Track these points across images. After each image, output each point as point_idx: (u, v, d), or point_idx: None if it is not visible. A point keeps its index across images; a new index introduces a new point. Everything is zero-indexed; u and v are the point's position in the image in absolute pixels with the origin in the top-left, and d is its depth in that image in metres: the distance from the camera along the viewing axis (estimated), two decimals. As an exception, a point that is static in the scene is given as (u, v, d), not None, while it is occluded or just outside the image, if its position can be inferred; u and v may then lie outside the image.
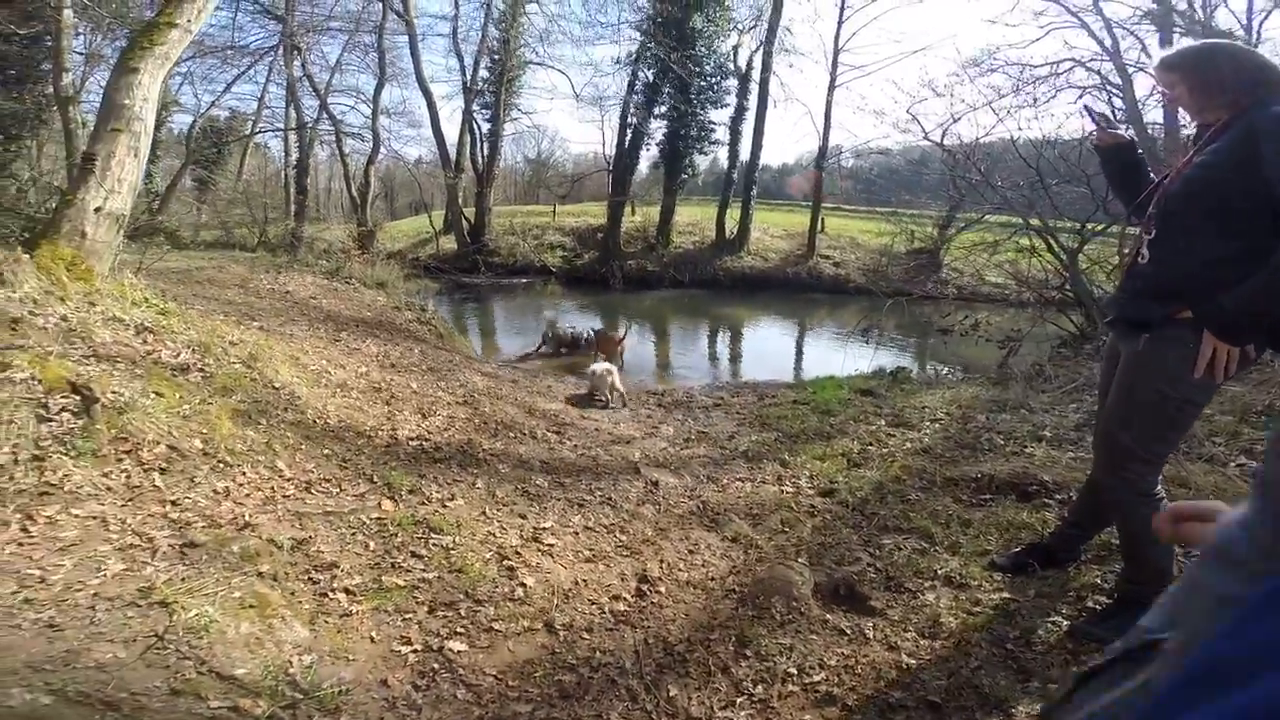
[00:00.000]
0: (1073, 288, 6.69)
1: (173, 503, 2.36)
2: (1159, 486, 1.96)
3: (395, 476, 3.05)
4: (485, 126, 18.77)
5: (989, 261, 9.70)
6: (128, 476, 2.40)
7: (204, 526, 2.29)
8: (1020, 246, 7.73)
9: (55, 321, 3.09)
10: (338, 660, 1.93)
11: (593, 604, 2.37)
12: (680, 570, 2.62)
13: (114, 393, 2.68)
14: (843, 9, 17.60)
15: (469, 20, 21.78)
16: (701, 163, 20.88)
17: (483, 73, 18.36)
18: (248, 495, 2.55)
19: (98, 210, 3.96)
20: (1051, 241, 6.93)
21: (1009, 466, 3.35)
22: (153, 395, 2.83)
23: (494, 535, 2.74)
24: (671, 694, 1.94)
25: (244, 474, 2.67)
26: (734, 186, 18.61)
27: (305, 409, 3.52)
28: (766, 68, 17.54)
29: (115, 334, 3.30)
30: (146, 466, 2.47)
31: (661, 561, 2.69)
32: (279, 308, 6.71)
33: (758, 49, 17.99)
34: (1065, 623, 2.17)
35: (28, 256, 3.46)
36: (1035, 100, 10.58)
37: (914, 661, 2.06)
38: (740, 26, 18.68)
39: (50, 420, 2.43)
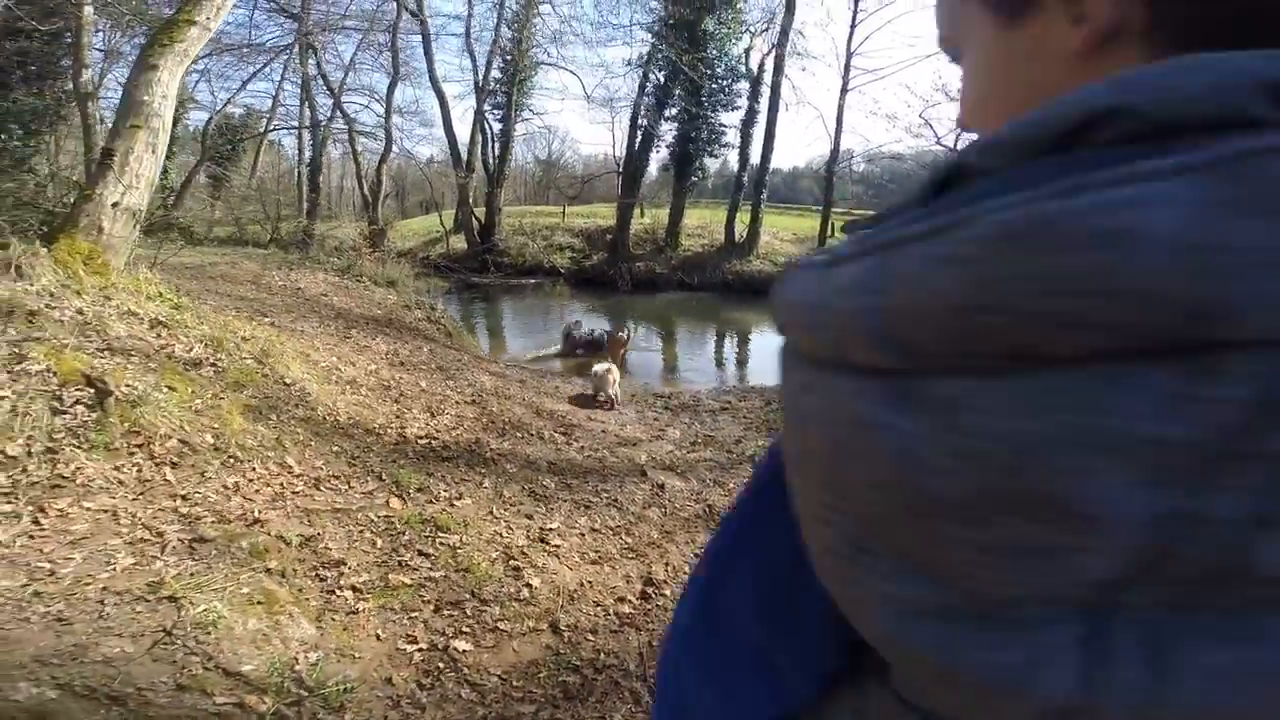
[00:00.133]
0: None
1: (183, 497, 2.38)
2: None
3: (403, 474, 3.05)
4: (497, 126, 18.85)
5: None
6: (139, 470, 2.42)
7: (213, 521, 2.30)
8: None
9: (71, 315, 3.12)
10: (343, 658, 1.94)
11: (598, 606, 2.37)
12: (686, 573, 2.61)
13: (128, 386, 2.70)
14: (855, 12, 17.54)
15: (482, 20, 21.96)
16: (711, 165, 20.88)
17: (495, 73, 18.45)
18: (257, 491, 2.56)
19: (115, 205, 4.00)
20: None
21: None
22: (165, 389, 2.86)
23: (500, 535, 2.74)
24: (676, 699, 1.93)
25: (254, 469, 2.68)
26: (744, 190, 18.56)
27: (315, 405, 3.54)
28: (778, 70, 17.49)
29: (130, 328, 3.32)
30: (158, 460, 2.49)
31: (667, 564, 2.68)
32: (290, 304, 6.75)
33: (769, 52, 17.93)
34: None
35: (46, 250, 3.50)
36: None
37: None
38: (752, 29, 18.64)
39: (64, 413, 2.45)
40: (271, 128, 19.96)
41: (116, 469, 2.39)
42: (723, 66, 18.27)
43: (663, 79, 17.97)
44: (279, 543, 2.31)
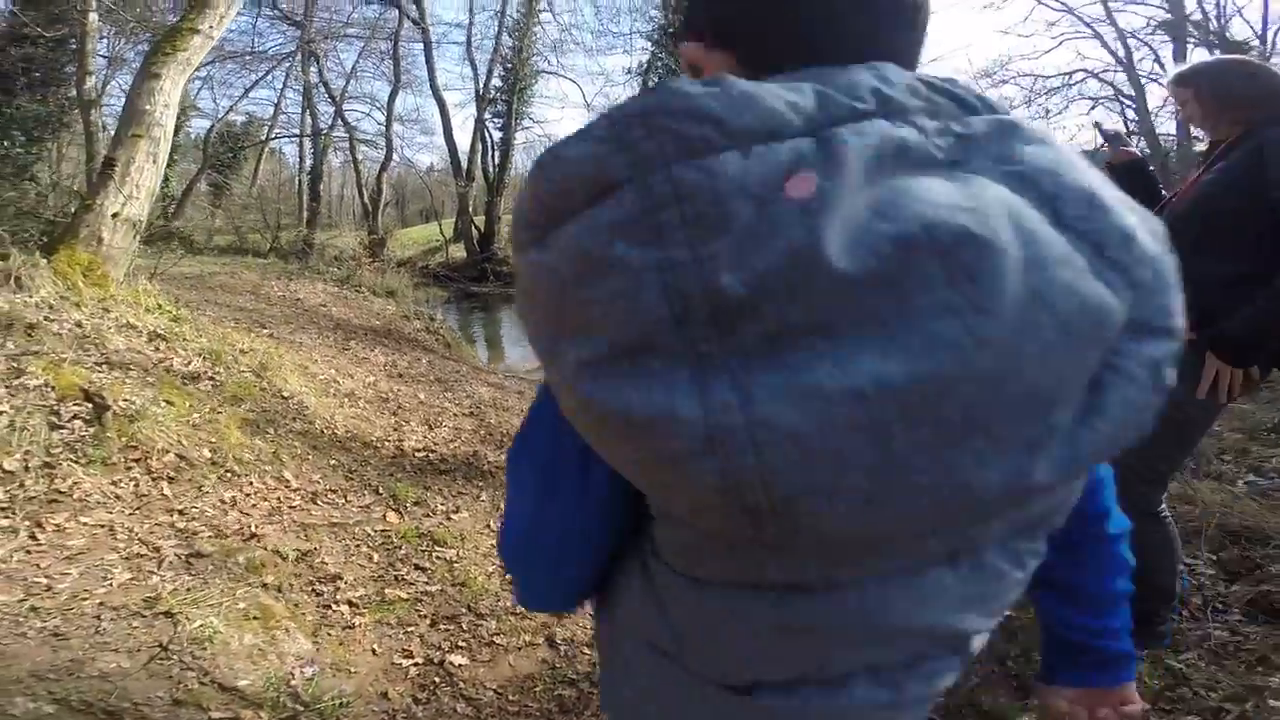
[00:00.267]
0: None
1: (180, 512, 2.38)
2: (1164, 505, 1.94)
3: (400, 488, 3.06)
4: (497, 135, 18.93)
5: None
6: (136, 485, 2.43)
7: (210, 536, 2.31)
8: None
9: (70, 327, 3.14)
10: (339, 672, 1.94)
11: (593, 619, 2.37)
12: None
13: (125, 400, 2.71)
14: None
15: (483, 28, 22.04)
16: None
17: (496, 81, 18.55)
18: (254, 505, 2.57)
19: (115, 216, 4.02)
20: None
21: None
22: (163, 403, 2.87)
23: (497, 549, 2.75)
24: (671, 715, 1.93)
25: (251, 484, 2.69)
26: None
27: (313, 419, 3.55)
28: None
29: (128, 341, 3.34)
30: (155, 475, 2.50)
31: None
32: (289, 315, 6.77)
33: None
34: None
35: (45, 261, 3.52)
36: (1048, 112, 10.59)
37: (915, 684, 2.05)
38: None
39: (62, 427, 2.46)
40: (273, 135, 20.04)
41: (114, 484, 2.39)
42: (721, 75, 18.31)
43: (662, 88, 18.03)
44: (275, 557, 2.32)
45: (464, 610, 2.31)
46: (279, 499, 2.68)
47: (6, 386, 2.50)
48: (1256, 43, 9.42)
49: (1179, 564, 1.97)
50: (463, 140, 18.45)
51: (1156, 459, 1.89)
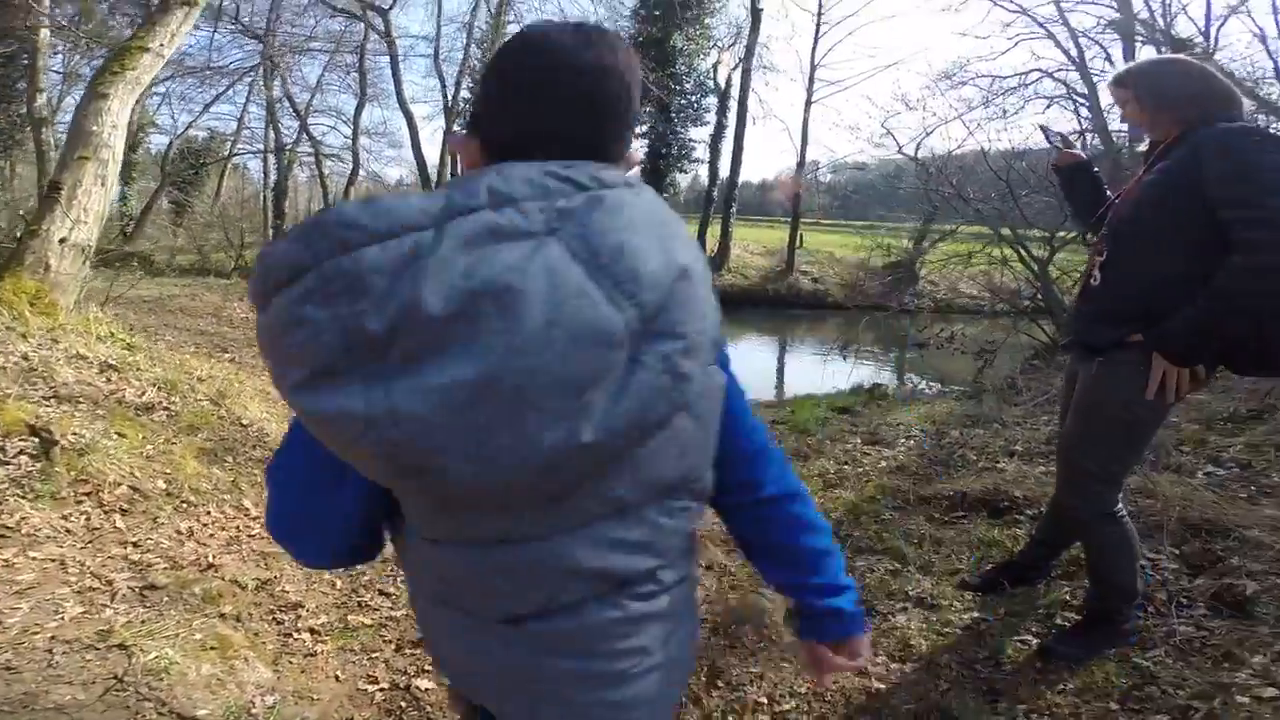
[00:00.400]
0: (1044, 297, 6.80)
1: (134, 544, 2.33)
2: (1120, 504, 1.97)
3: (366, 509, 3.01)
4: (466, 147, 18.79)
5: (963, 273, 9.80)
6: (87, 519, 2.36)
7: (165, 568, 2.25)
8: (993, 258, 7.83)
9: (16, 361, 3.04)
10: (301, 700, 1.91)
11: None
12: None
13: (74, 434, 2.64)
14: (819, 25, 17.97)
15: (450, 40, 21.91)
16: (682, 181, 21.06)
17: (464, 93, 18.45)
18: (211, 535, 2.51)
19: (63, 241, 3.92)
20: (1023, 252, 7.05)
21: (981, 483, 3.38)
22: (115, 436, 2.79)
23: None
24: (640, 729, 1.92)
25: (208, 514, 2.63)
26: (714, 204, 18.76)
27: (274, 445, 3.47)
28: (745, 85, 17.78)
29: (78, 372, 3.25)
30: (107, 508, 2.43)
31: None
32: (252, 338, 6.59)
33: (736, 66, 18.25)
34: (1034, 641, 2.18)
35: (-10, 291, 3.41)
36: (1005, 112, 10.82)
37: (883, 686, 2.06)
38: (720, 44, 18.96)
39: (7, 464, 2.39)
40: (236, 151, 19.70)
41: (64, 518, 2.33)
42: (691, 82, 18.53)
43: (631, 96, 18.10)
44: (234, 587, 2.27)
45: (431, 633, 2.28)
46: (238, 528, 2.62)
47: (-53, 423, 2.41)
48: (1200, 39, 9.71)
49: (1139, 562, 2.00)
50: (431, 153, 18.31)
51: (1109, 460, 1.91)
